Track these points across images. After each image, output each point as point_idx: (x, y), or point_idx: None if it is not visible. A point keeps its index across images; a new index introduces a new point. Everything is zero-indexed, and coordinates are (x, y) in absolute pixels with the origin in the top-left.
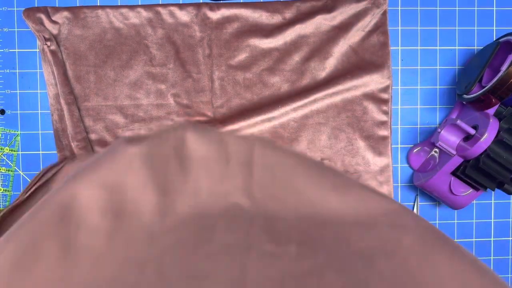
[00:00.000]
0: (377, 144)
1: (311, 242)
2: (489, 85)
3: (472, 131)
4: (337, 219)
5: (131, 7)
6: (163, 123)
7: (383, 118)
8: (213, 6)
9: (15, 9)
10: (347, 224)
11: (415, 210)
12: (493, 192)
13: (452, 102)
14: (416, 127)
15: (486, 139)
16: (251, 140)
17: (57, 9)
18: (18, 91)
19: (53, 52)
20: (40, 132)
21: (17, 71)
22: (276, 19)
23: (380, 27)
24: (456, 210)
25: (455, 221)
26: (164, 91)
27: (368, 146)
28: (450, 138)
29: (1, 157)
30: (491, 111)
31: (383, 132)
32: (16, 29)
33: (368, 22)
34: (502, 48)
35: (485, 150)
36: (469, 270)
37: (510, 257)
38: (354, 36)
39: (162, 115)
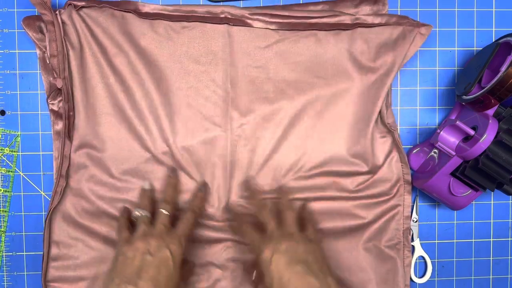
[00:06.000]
0: None
1: None
2: (488, 86)
3: (472, 132)
4: None
5: None
6: None
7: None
8: None
9: (15, 10)
10: None
11: (414, 210)
12: (492, 192)
13: (451, 103)
14: (415, 127)
15: (486, 140)
16: None
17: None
18: (18, 92)
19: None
20: (40, 133)
21: (17, 72)
22: None
23: None
24: (455, 211)
25: (455, 222)
26: None
27: None
28: (449, 139)
29: (1, 157)
30: (491, 112)
31: None
32: (16, 30)
33: None
34: (501, 49)
35: (485, 151)
36: None
37: (509, 257)
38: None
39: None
